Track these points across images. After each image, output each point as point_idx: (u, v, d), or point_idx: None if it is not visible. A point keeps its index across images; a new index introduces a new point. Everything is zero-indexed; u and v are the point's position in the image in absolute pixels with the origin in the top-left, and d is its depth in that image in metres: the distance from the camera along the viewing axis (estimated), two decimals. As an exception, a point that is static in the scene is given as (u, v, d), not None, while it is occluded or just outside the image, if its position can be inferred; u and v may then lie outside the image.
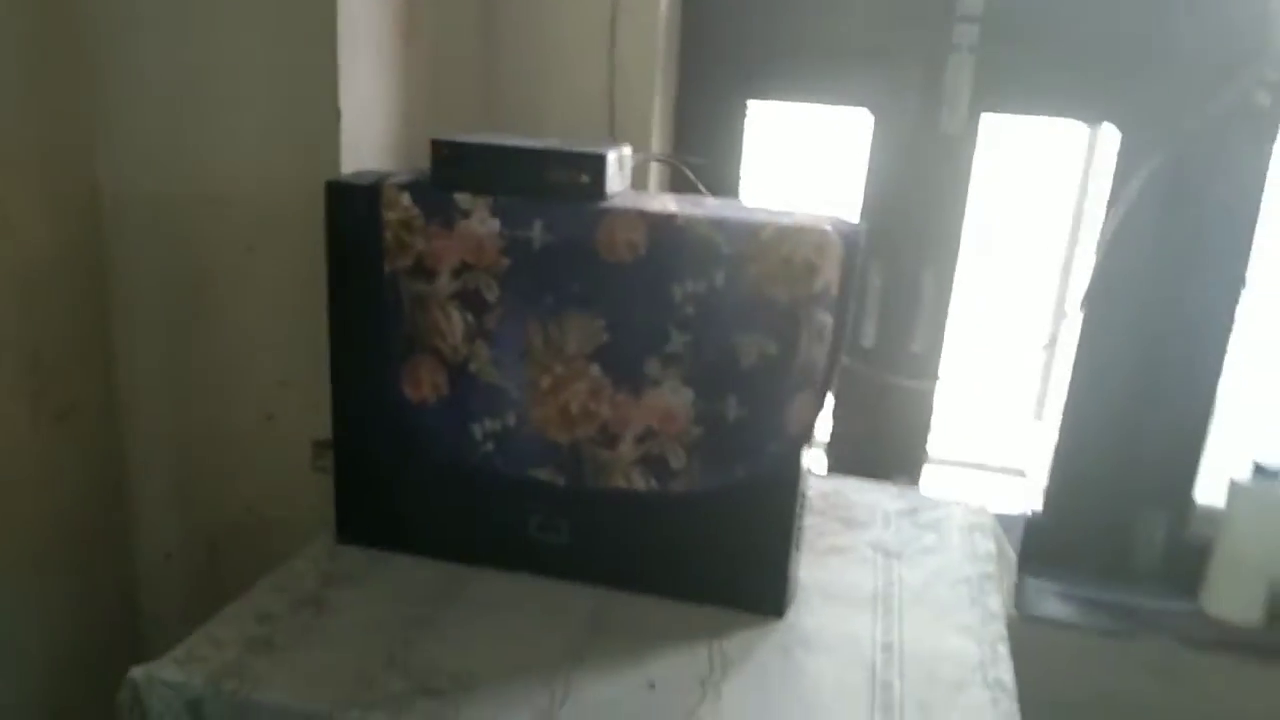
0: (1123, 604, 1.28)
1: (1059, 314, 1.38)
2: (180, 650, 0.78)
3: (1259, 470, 1.20)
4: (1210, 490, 1.29)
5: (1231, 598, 1.25)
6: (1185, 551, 1.29)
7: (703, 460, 0.84)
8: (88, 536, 1.06)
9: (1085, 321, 1.26)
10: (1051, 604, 1.28)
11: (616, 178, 0.85)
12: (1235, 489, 1.22)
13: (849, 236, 0.78)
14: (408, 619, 0.84)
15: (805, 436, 0.82)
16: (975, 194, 1.24)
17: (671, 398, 0.83)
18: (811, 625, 0.87)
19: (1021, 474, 1.47)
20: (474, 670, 0.77)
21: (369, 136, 1.00)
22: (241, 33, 0.95)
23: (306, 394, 1.00)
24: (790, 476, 0.84)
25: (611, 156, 0.83)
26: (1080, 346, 1.28)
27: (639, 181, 1.12)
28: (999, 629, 0.88)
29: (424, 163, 0.86)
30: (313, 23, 0.93)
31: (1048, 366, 1.43)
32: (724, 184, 1.28)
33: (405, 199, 0.84)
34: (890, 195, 1.26)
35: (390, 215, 0.85)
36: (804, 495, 0.86)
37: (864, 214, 1.27)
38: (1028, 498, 1.37)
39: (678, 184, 1.21)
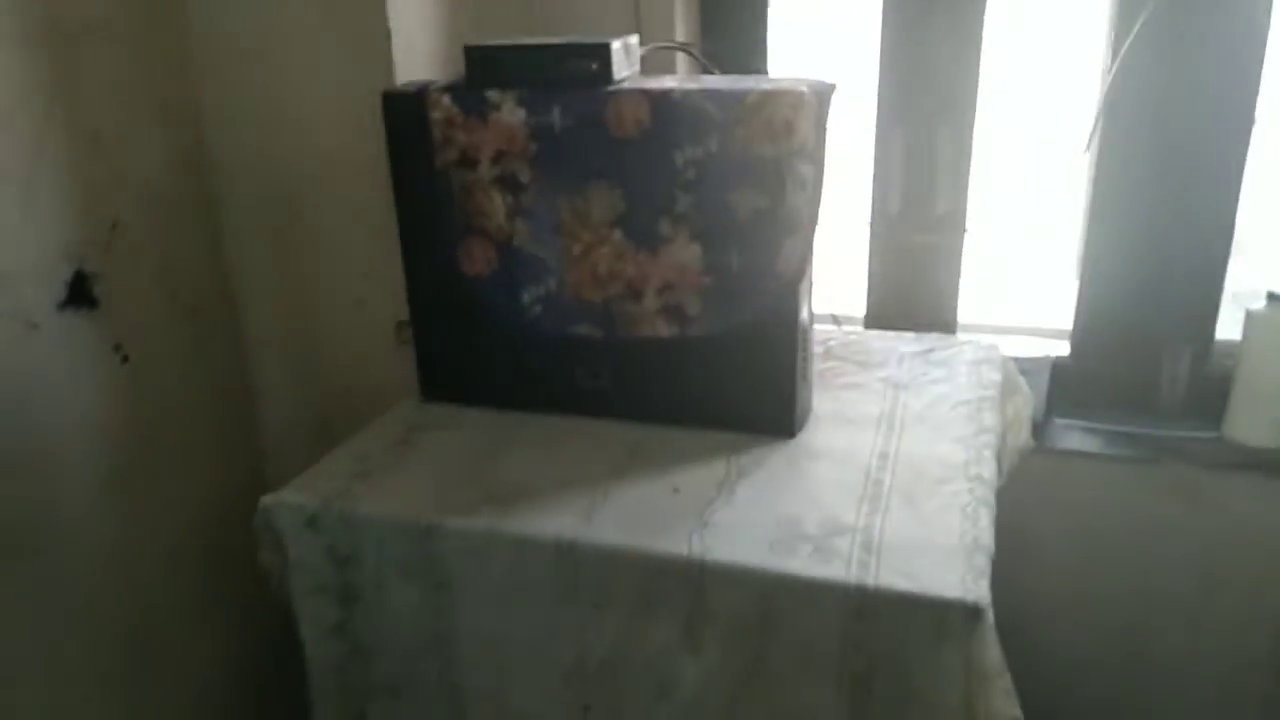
0: (1148, 435, 1.37)
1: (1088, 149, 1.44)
2: (298, 481, 0.97)
3: (1273, 298, 1.26)
4: (1231, 325, 1.35)
5: (1251, 422, 1.32)
6: (1208, 384, 1.36)
7: (714, 306, 0.98)
8: (220, 412, 1.28)
9: (1098, 164, 1.33)
10: (1078, 438, 1.38)
11: (624, 64, 0.98)
12: (1251, 318, 1.29)
13: (821, 94, 0.89)
14: (478, 452, 1.02)
15: (798, 276, 0.95)
16: (989, 47, 1.31)
17: (683, 253, 0.97)
18: (820, 443, 1.00)
19: (1066, 334, 1.54)
20: (532, 483, 0.94)
21: (418, 51, 1.15)
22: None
23: (386, 282, 1.17)
24: (789, 312, 0.97)
25: (616, 45, 0.96)
26: (1095, 188, 1.35)
27: (665, 69, 1.24)
28: (989, 438, 1.00)
29: (463, 69, 1.01)
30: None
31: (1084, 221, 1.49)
32: (749, 67, 1.39)
33: (446, 100, 0.99)
34: (905, 58, 1.34)
35: (436, 115, 1.00)
36: (806, 329, 0.99)
37: (882, 81, 1.35)
38: (1057, 346, 1.46)
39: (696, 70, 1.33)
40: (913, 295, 1.44)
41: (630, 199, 0.97)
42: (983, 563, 0.80)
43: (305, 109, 1.17)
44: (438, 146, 1.01)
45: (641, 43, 1.03)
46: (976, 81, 1.33)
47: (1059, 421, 1.40)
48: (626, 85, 0.95)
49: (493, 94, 0.97)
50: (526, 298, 1.04)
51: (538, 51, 0.97)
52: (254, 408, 1.32)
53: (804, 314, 0.98)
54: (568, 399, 1.07)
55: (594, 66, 0.95)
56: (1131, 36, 1.23)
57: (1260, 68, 1.23)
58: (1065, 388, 1.41)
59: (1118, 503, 1.36)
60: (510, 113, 0.97)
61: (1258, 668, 1.36)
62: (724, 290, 0.97)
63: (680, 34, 1.31)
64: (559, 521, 0.88)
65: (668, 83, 0.95)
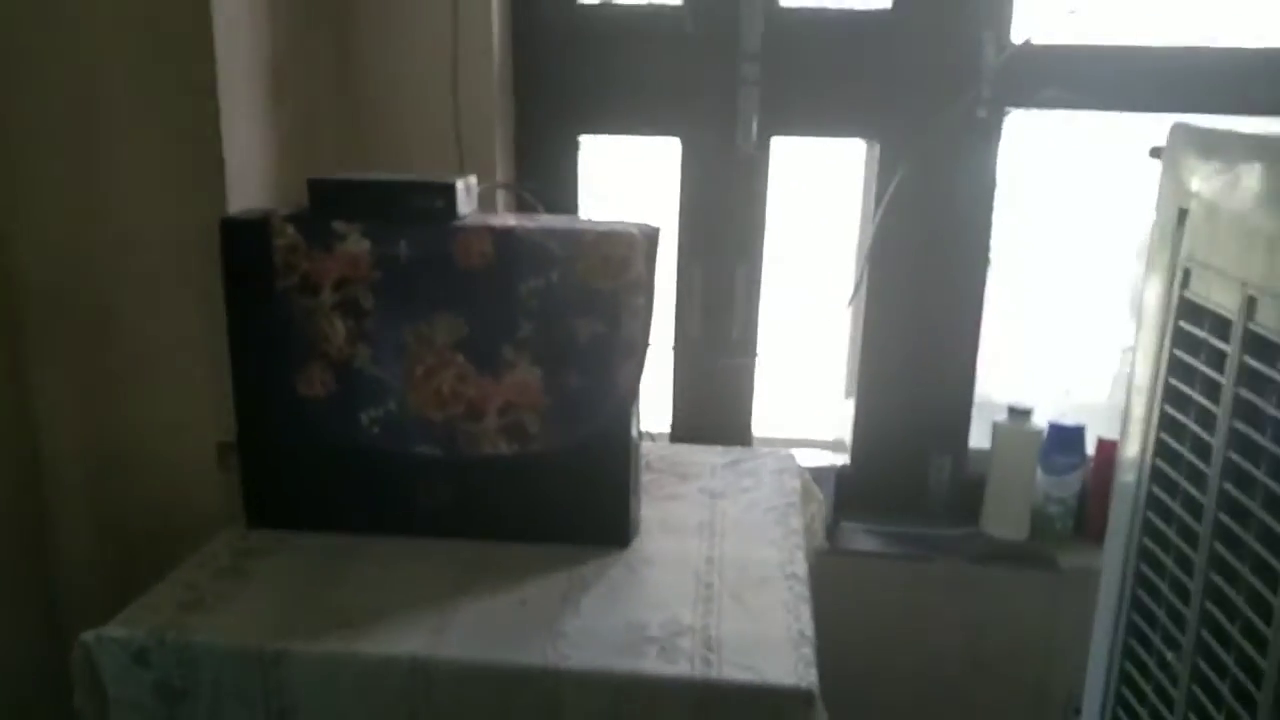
0: (919, 534, 1.55)
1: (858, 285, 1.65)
2: (122, 616, 0.93)
3: (1013, 412, 1.49)
4: (982, 435, 1.57)
5: (1001, 519, 1.53)
6: (966, 486, 1.56)
7: (553, 424, 1.04)
8: (13, 553, 1.18)
9: (867, 308, 1.53)
10: (860, 539, 1.53)
11: (465, 201, 1.05)
12: (998, 429, 1.51)
13: (650, 236, 1.01)
14: (317, 576, 1.01)
15: (632, 396, 1.04)
16: (775, 202, 1.50)
17: (525, 375, 1.03)
18: (651, 550, 1.08)
19: (842, 445, 1.72)
20: (377, 604, 0.95)
21: (250, 179, 1.17)
22: (138, 104, 1.11)
23: (208, 403, 1.15)
24: (624, 430, 1.05)
25: (460, 185, 1.03)
26: (866, 327, 1.54)
27: (488, 206, 1.32)
28: (797, 539, 1.11)
29: (301, 200, 1.04)
30: (198, 92, 1.09)
31: (852, 352, 1.70)
32: (563, 207, 1.50)
33: (290, 229, 1.02)
34: (702, 209, 1.50)
35: (279, 242, 1.02)
36: (637, 444, 1.08)
37: (682, 226, 1.50)
38: (839, 458, 1.63)
39: (522, 207, 1.43)
40: (712, 410, 1.57)
41: (474, 325, 1.03)
42: (809, 652, 0.89)
43: (128, 232, 1.15)
44: (279, 272, 1.03)
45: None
46: (764, 226, 1.51)
47: (846, 524, 1.56)
48: (470, 221, 1.03)
49: (339, 224, 1.01)
50: (365, 418, 1.06)
51: (384, 187, 1.03)
52: (47, 542, 1.23)
53: (635, 431, 1.06)
54: (407, 519, 1.09)
55: (439, 203, 1.02)
56: (889, 194, 1.45)
57: (990, 216, 1.48)
58: (848, 493, 1.57)
59: (894, 595, 1.52)
60: (355, 243, 1.02)
61: (1020, 739, 1.53)
62: (563, 410, 1.04)
63: (500, 174, 1.41)
64: (410, 640, 0.90)
65: (510, 220, 1.03)
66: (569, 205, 1.52)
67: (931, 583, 1.51)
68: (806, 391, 1.84)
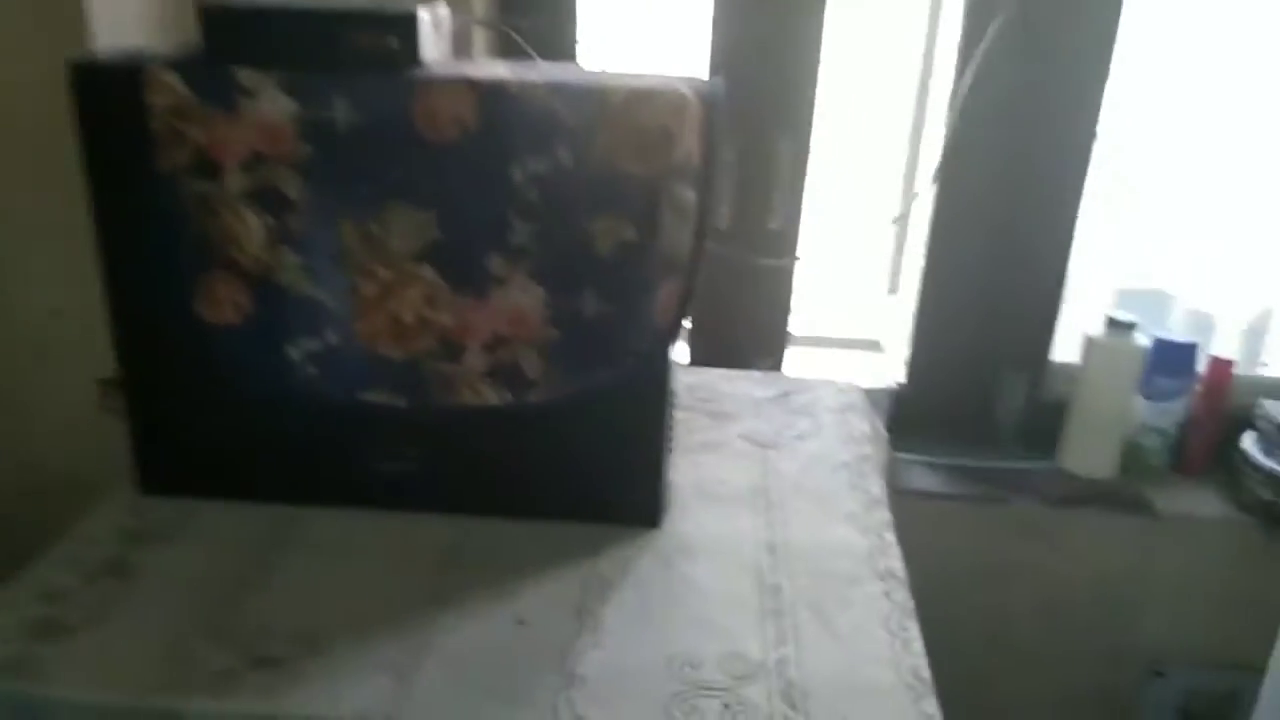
0: (988, 469, 1.29)
1: (909, 183, 1.34)
2: (-58, 647, 0.64)
3: (1112, 324, 1.20)
4: (1067, 350, 1.29)
5: (1086, 452, 1.26)
6: (1044, 411, 1.29)
7: (561, 365, 0.75)
8: None
9: (939, 188, 1.22)
10: (919, 475, 1.27)
11: (432, 42, 0.72)
12: (1091, 344, 1.23)
13: (709, 97, 0.68)
14: (232, 576, 0.72)
15: (673, 329, 0.74)
16: (826, 55, 1.16)
17: (520, 297, 0.73)
18: (691, 530, 0.80)
19: (877, 346, 1.45)
20: (315, 629, 0.67)
21: (127, 5, 0.83)
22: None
23: (84, 323, 0.84)
24: (659, 374, 0.75)
25: (424, 15, 0.70)
26: (936, 214, 1.24)
27: (461, 51, 0.98)
28: (884, 515, 0.84)
29: (192, 37, 0.71)
30: None
31: (900, 237, 1.39)
32: (558, 53, 1.16)
33: (174, 80, 0.69)
34: (739, 58, 1.16)
35: (157, 101, 0.69)
36: (673, 393, 0.78)
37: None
38: (890, 371, 1.35)
39: (507, 53, 1.08)
40: (742, 323, 1.28)
41: (446, 224, 0.71)
42: (932, 709, 0.63)
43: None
44: (160, 144, 0.70)
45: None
46: (815, 86, 1.18)
47: (898, 455, 1.29)
48: (441, 71, 0.70)
49: (246, 74, 0.68)
50: (295, 354, 0.75)
51: (312, 18, 0.69)
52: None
53: (672, 377, 0.77)
54: (356, 489, 0.80)
55: (395, 42, 0.69)
56: (981, 50, 1.11)
57: (1103, 82, 1.16)
58: (903, 415, 1.31)
59: (961, 542, 1.27)
60: (272, 101, 0.69)
61: (1090, 702, 1.31)
62: (574, 345, 0.74)
63: (478, 8, 1.06)
64: (361, 691, 0.62)
65: (498, 70, 0.70)
66: (564, 50, 1.17)
67: (1001, 527, 1.26)
68: (837, 280, 1.55)
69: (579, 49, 1.17)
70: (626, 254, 0.71)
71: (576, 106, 0.68)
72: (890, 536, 0.81)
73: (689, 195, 0.70)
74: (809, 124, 1.19)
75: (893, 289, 1.43)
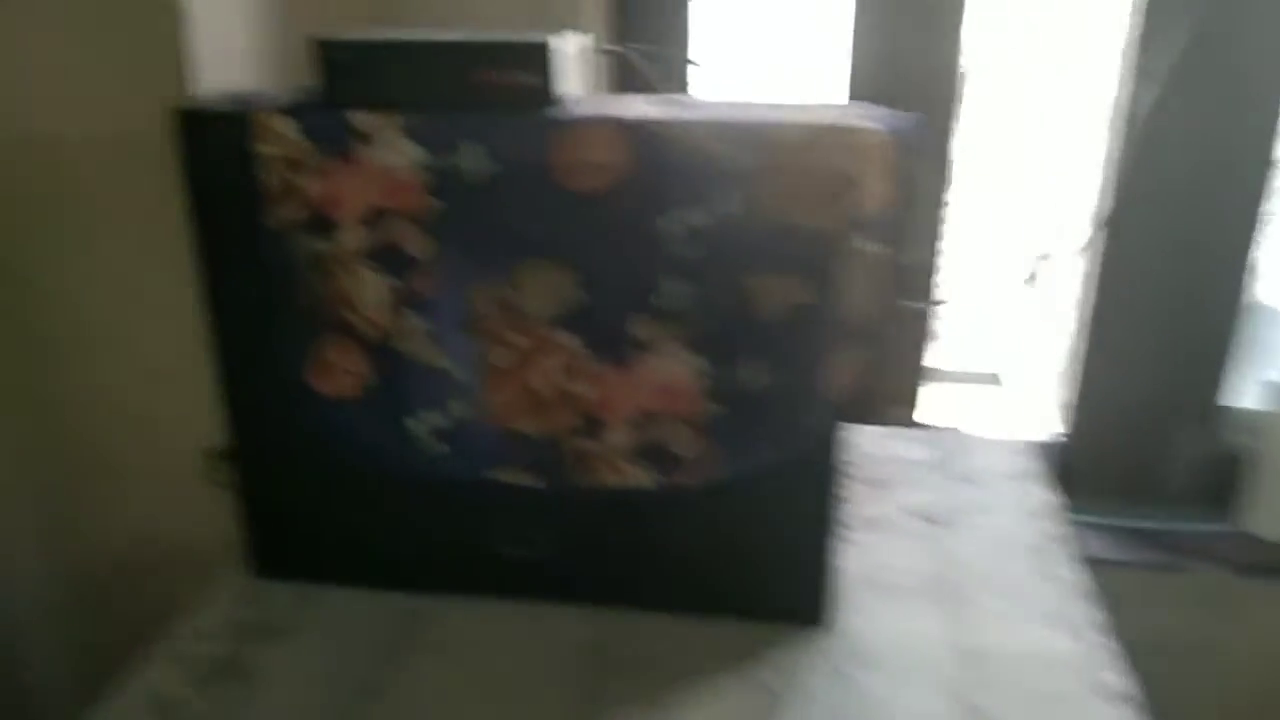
0: (1160, 531, 1.14)
1: (1062, 221, 1.20)
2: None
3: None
4: (1245, 397, 1.15)
5: (1276, 514, 1.11)
6: (1220, 465, 1.15)
7: (717, 443, 0.65)
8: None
9: (1112, 220, 1.08)
10: (1088, 538, 1.13)
11: (571, 74, 0.63)
12: (1273, 390, 1.08)
13: (902, 134, 0.58)
14: (357, 678, 0.64)
15: (850, 403, 0.63)
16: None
17: (672, 366, 0.63)
18: (863, 630, 0.69)
19: (995, 380, 1.31)
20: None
21: (235, 46, 0.76)
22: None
23: (191, 388, 0.77)
24: (827, 451, 0.65)
25: (562, 45, 0.61)
26: (1107, 249, 1.10)
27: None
28: (1087, 610, 0.71)
29: (308, 77, 0.63)
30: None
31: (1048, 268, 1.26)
32: (670, 81, 1.06)
33: (286, 125, 0.61)
34: (880, 76, 1.05)
35: (267, 149, 0.62)
36: (841, 474, 0.68)
37: (855, 85, 1.06)
38: (1013, 408, 1.22)
39: (624, 82, 0.99)
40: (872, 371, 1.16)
41: (590, 285, 0.62)
42: None
43: (53, 123, 0.75)
44: (271, 197, 0.63)
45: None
46: (957, 109, 1.06)
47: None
48: (582, 110, 0.61)
49: (364, 118, 0.60)
50: (419, 428, 0.67)
51: (438, 52, 0.61)
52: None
53: (840, 456, 0.66)
54: (487, 575, 0.71)
55: (528, 78, 0.60)
56: (1165, 68, 0.98)
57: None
58: (1060, 474, 1.17)
59: (1138, 614, 1.12)
60: (394, 149, 0.61)
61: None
62: (733, 421, 0.64)
63: (593, 27, 0.97)
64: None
65: (646, 108, 0.61)
66: (677, 79, 1.07)
67: (1178, 598, 1.12)
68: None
69: (691, 76, 1.08)
70: (797, 318, 0.61)
71: (743, 149, 0.58)
72: (1103, 639, 0.68)
73: (875, 250, 0.59)
74: (950, 146, 1.07)
75: (1042, 319, 1.30)
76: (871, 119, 0.58)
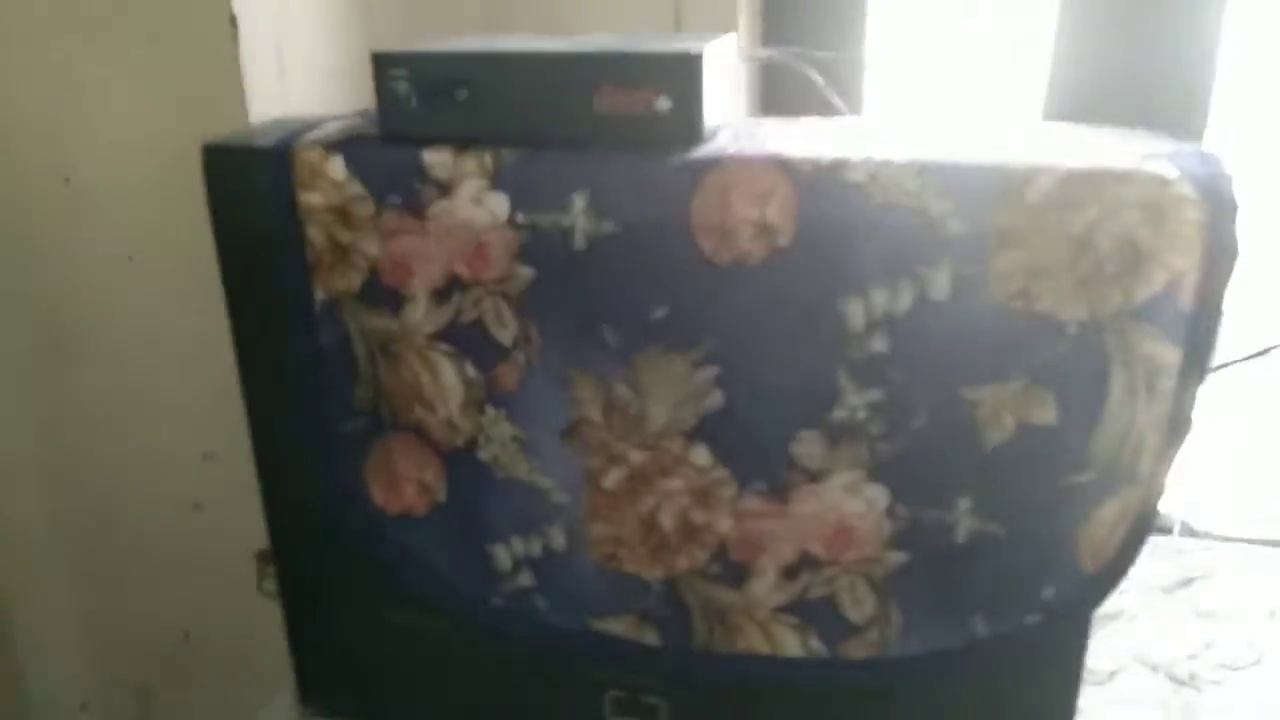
0: None
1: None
2: None
3: None
4: None
5: None
6: None
7: (907, 608, 0.47)
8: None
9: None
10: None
11: (722, 97, 0.46)
12: None
13: (1212, 187, 0.38)
14: None
15: (1111, 570, 0.44)
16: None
17: (847, 501, 0.45)
18: None
19: None
20: None
21: (297, 62, 0.62)
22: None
23: (245, 472, 0.64)
24: (1076, 627, 0.46)
25: (711, 56, 0.44)
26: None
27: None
28: None
29: (372, 103, 0.48)
30: None
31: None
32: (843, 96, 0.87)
33: (336, 168, 0.46)
34: (1091, 90, 0.84)
35: (312, 199, 0.47)
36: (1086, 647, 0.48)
37: (1051, 94, 0.85)
38: None
39: (775, 103, 0.82)
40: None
41: (734, 386, 0.45)
42: None
43: (85, 166, 0.63)
44: (319, 260, 0.48)
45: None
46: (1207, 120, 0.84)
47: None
48: (730, 146, 0.43)
49: (439, 159, 0.45)
50: (504, 559, 0.51)
51: (543, 69, 0.45)
52: (20, 684, 0.77)
53: (1089, 625, 0.47)
54: (584, 748, 0.55)
55: (663, 105, 0.43)
56: None
57: None
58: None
59: None
60: (477, 200, 0.45)
61: None
62: (933, 580, 0.46)
63: (744, 35, 0.80)
64: None
65: (819, 142, 0.43)
66: (851, 89, 0.89)
67: None
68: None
69: (868, 90, 0.89)
70: (1035, 445, 0.42)
71: (966, 202, 0.40)
72: None
73: (1166, 354, 0.40)
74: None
75: None
76: (1165, 161, 0.39)
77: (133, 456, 0.69)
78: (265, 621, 0.65)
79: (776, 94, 0.83)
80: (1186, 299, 0.39)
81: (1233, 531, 0.79)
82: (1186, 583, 0.72)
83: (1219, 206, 0.38)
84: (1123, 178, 0.39)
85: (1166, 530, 0.80)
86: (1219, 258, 0.38)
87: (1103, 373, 0.40)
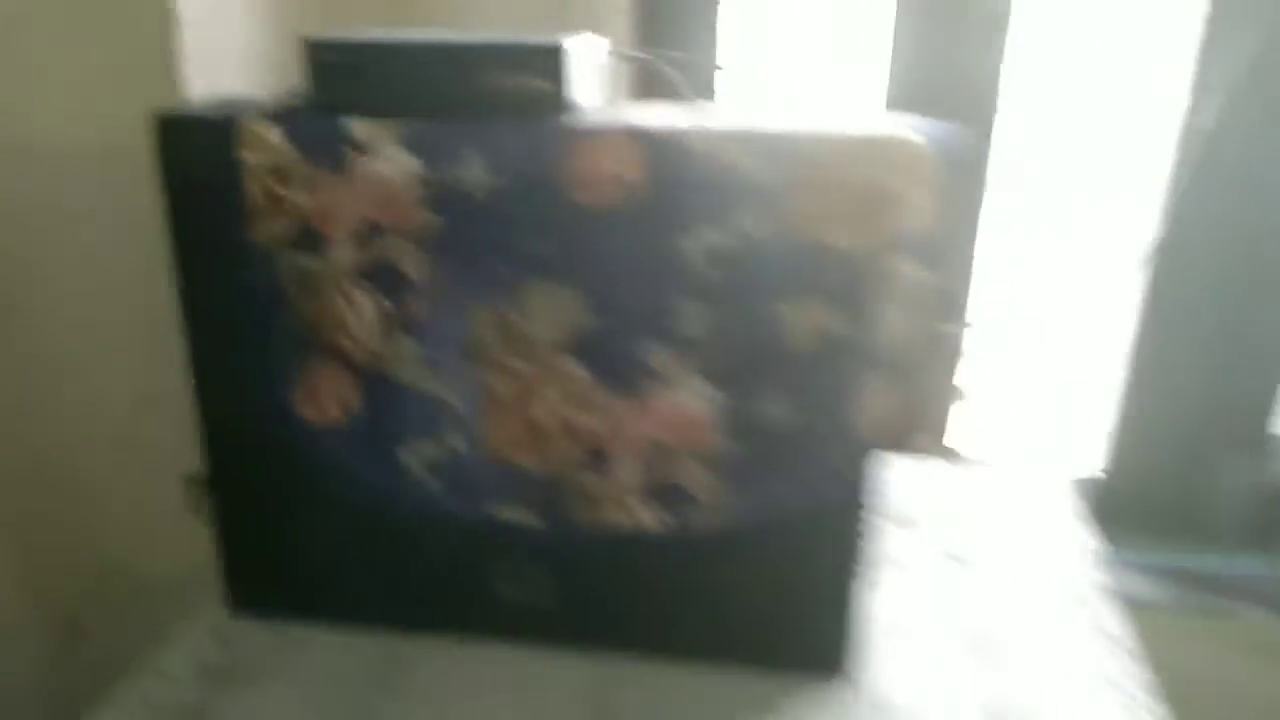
0: (1208, 573, 1.08)
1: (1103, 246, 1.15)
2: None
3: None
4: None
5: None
6: (1271, 498, 1.09)
7: (735, 483, 0.59)
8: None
9: (1162, 243, 1.03)
10: (1130, 579, 1.07)
11: (588, 81, 0.58)
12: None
13: (944, 146, 0.53)
14: (331, 732, 0.59)
15: (884, 442, 0.58)
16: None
17: (688, 398, 0.58)
18: (886, 685, 0.63)
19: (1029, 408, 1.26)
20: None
21: (230, 46, 0.71)
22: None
23: (175, 411, 0.72)
24: (853, 494, 0.59)
25: (577, 48, 0.56)
26: (1155, 276, 1.04)
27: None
28: (1138, 671, 0.66)
29: (300, 81, 0.58)
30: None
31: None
32: (699, 90, 1.01)
33: (272, 133, 0.56)
34: (920, 85, 1.00)
35: (253, 159, 0.57)
36: (867, 520, 0.62)
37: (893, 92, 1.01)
38: (1081, 450, 1.16)
39: (649, 89, 0.94)
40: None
41: (600, 309, 0.57)
42: None
43: (31, 131, 0.71)
44: (256, 210, 0.58)
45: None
46: (994, 123, 1.01)
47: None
48: (597, 119, 0.56)
49: (359, 125, 0.56)
50: (412, 461, 0.62)
51: (439, 55, 0.56)
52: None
53: (866, 500, 0.61)
54: (481, 620, 0.66)
55: (542, 83, 0.55)
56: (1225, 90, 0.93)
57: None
58: (1103, 502, 1.11)
59: (1183, 660, 1.06)
60: (390, 159, 0.56)
61: None
62: (753, 459, 0.59)
63: (616, 32, 0.92)
64: None
65: (667, 116, 0.56)
66: (704, 88, 1.02)
67: (1228, 646, 1.06)
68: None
69: (719, 84, 1.02)
70: (827, 348, 0.56)
71: (771, 162, 0.53)
72: (1159, 709, 0.62)
73: (915, 274, 0.54)
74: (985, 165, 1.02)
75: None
76: (911, 130, 0.53)
77: (69, 399, 0.76)
78: (190, 542, 0.74)
79: (649, 90, 0.96)
80: (926, 232, 0.53)
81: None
82: (979, 495, 0.87)
83: (948, 165, 0.52)
84: (882, 143, 0.52)
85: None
86: (948, 202, 0.52)
87: (872, 288, 0.54)
